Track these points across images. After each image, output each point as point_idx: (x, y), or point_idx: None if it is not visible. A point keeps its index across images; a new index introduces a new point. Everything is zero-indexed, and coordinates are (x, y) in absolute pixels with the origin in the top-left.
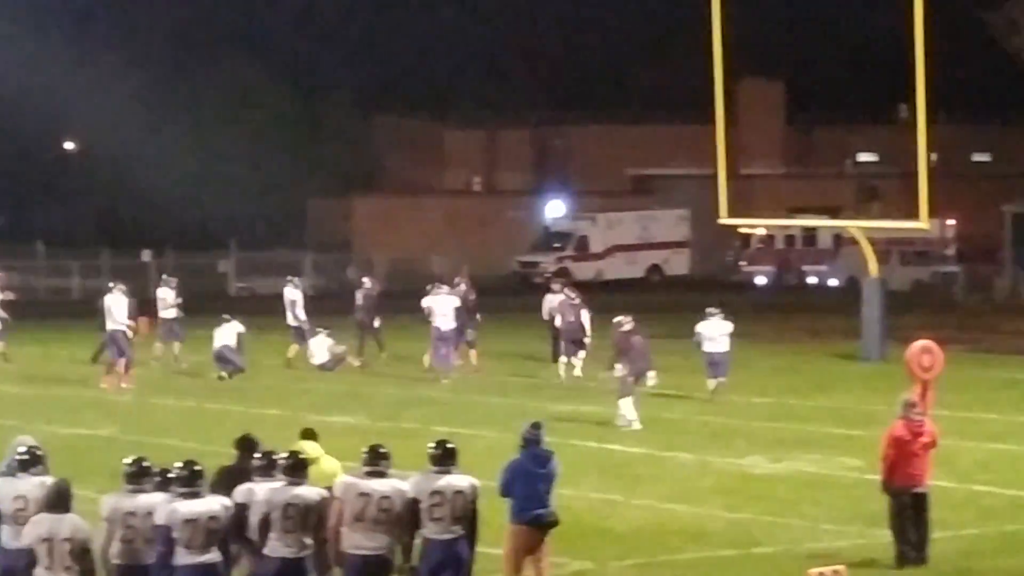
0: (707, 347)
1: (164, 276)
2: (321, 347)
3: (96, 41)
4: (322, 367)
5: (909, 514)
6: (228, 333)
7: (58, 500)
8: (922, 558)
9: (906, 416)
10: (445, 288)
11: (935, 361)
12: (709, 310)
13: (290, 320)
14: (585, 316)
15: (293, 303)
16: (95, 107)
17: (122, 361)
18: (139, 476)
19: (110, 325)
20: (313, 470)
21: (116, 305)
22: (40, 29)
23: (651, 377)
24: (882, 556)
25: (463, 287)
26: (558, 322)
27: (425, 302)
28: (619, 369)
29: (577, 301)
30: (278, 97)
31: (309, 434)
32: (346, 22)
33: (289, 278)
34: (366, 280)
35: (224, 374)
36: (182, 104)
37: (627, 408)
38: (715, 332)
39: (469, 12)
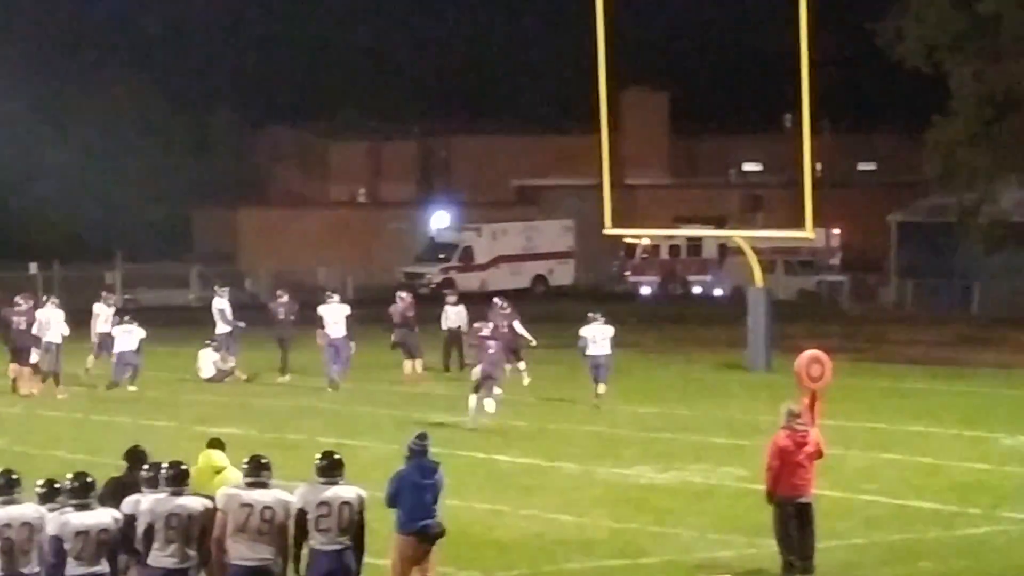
0: (591, 350)
1: (104, 293)
2: (207, 361)
3: None
4: (210, 380)
5: (794, 524)
6: (131, 338)
7: None
8: (808, 568)
9: (789, 426)
10: (337, 297)
11: (824, 371)
12: (591, 315)
13: (221, 328)
14: (518, 324)
15: (222, 311)
16: None
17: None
18: (9, 487)
19: (48, 337)
20: (219, 479)
21: (54, 318)
22: None
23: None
24: (769, 566)
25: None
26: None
27: (319, 311)
28: (476, 371)
29: (509, 310)
30: (161, 108)
31: (216, 443)
32: (231, 33)
33: (217, 288)
34: (282, 294)
35: (120, 381)
36: (65, 116)
37: (472, 404)
38: (598, 335)
39: (353, 23)
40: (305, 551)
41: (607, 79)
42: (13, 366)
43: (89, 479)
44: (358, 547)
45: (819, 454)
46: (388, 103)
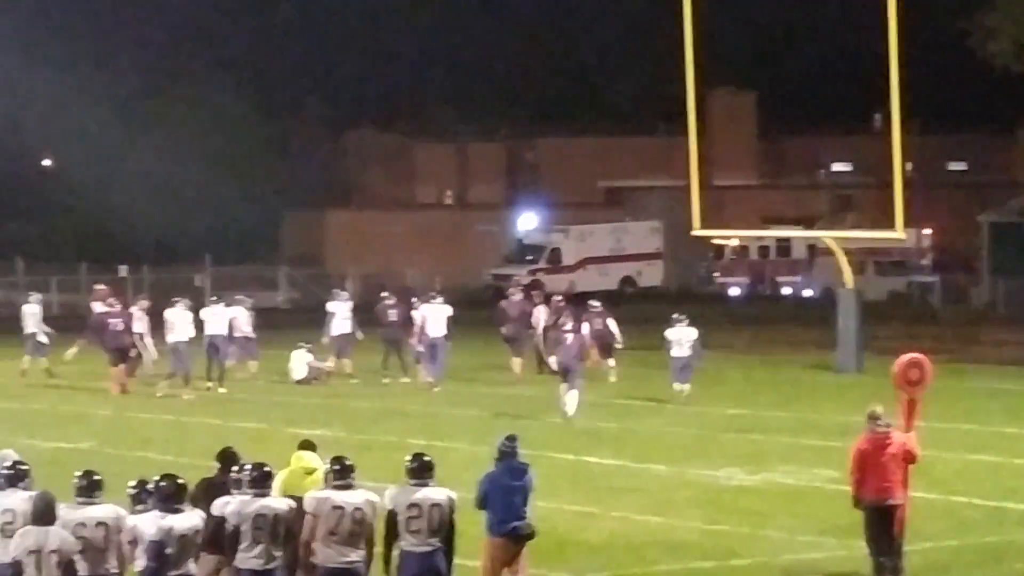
0: (674, 352)
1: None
2: (300, 362)
3: (73, 60)
4: (300, 382)
5: (881, 527)
6: (220, 321)
7: (45, 512)
8: (898, 570)
9: (870, 428)
10: (440, 297)
11: (923, 375)
12: (675, 316)
13: (338, 330)
14: (612, 322)
15: (334, 315)
16: (72, 125)
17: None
18: (90, 489)
19: (175, 338)
20: (310, 480)
21: (181, 319)
22: (18, 49)
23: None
24: (861, 568)
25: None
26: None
27: (420, 312)
28: (553, 361)
29: (601, 309)
30: (249, 113)
31: (308, 445)
32: (317, 38)
33: (335, 291)
34: (388, 296)
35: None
36: (157, 121)
37: (562, 394)
38: (682, 338)
39: (440, 26)
40: (395, 553)
41: (695, 80)
42: (116, 370)
43: (181, 481)
44: (448, 549)
45: (911, 457)
46: (475, 105)
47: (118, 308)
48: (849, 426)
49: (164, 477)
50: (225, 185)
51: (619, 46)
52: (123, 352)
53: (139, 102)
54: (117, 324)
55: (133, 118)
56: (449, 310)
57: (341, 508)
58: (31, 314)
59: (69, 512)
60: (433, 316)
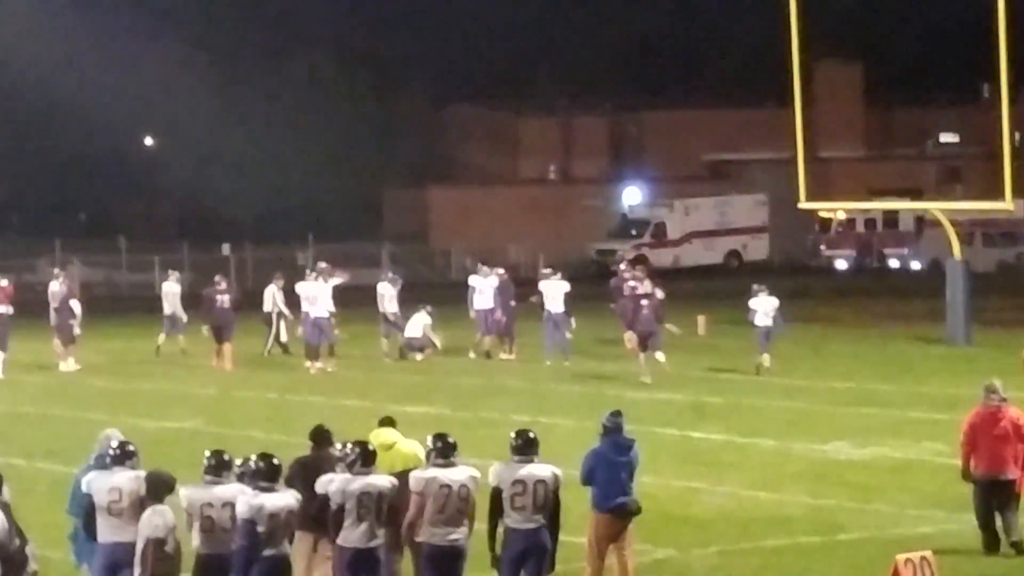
0: (759, 321)
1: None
2: (418, 323)
3: (174, 38)
4: (409, 343)
5: (994, 502)
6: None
7: (157, 491)
8: (1016, 546)
9: (985, 401)
10: (558, 273)
11: None
12: (756, 287)
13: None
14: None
15: (474, 288)
16: (174, 104)
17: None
18: (219, 468)
19: (316, 312)
20: (389, 455)
21: (322, 292)
22: (119, 28)
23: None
24: (970, 542)
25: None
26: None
27: (540, 287)
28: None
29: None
30: (351, 90)
31: (387, 421)
32: (418, 14)
33: (480, 266)
34: (502, 272)
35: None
36: (258, 100)
37: (642, 360)
38: (765, 307)
39: (541, 3)
40: (500, 529)
41: (800, 51)
42: (227, 346)
43: (276, 461)
44: (553, 525)
45: (1019, 431)
46: (578, 79)
47: (224, 286)
48: (958, 399)
49: (261, 456)
50: (326, 163)
51: (724, 18)
52: (227, 329)
53: (241, 82)
54: (224, 302)
55: (235, 98)
56: (567, 286)
57: (448, 487)
58: (171, 293)
59: (196, 492)
60: (551, 292)
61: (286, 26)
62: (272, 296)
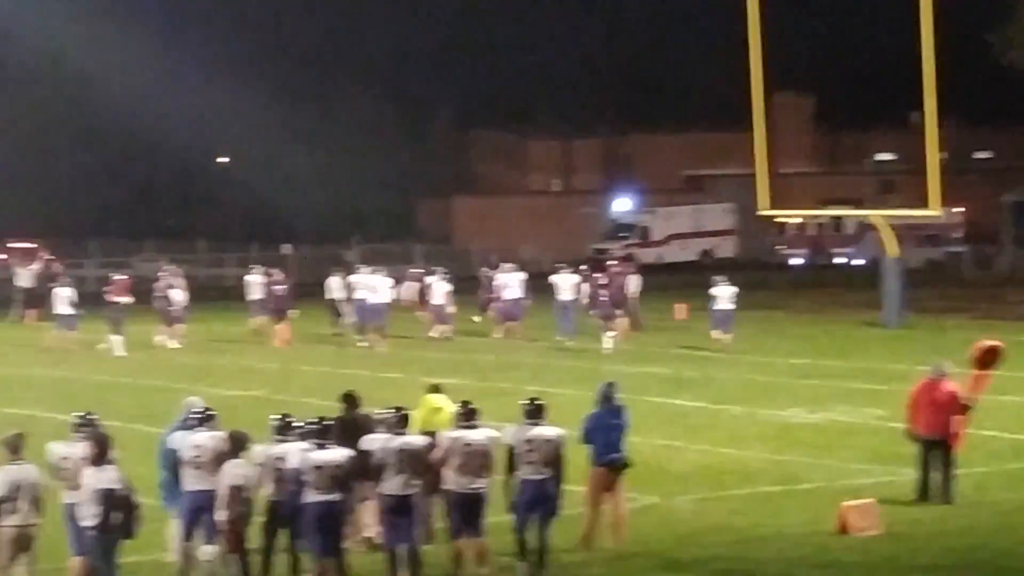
0: (717, 305)
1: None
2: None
3: (240, 73)
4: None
5: (930, 457)
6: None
7: (236, 448)
8: (947, 492)
9: (928, 375)
10: (569, 268)
11: (996, 359)
12: (716, 278)
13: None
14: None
15: (555, 285)
16: (243, 128)
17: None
18: (284, 429)
19: (374, 299)
20: (439, 417)
21: (381, 284)
22: (199, 65)
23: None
24: (904, 490)
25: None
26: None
27: (551, 279)
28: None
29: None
30: (390, 114)
31: (434, 388)
32: (446, 52)
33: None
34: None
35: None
36: (313, 124)
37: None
38: (724, 294)
39: (548, 42)
40: (514, 480)
41: (762, 85)
42: (282, 326)
43: (328, 423)
44: (558, 477)
45: (957, 404)
46: (577, 108)
47: (282, 277)
48: (893, 373)
49: (319, 420)
50: (369, 175)
51: (697, 57)
52: (283, 313)
53: (299, 107)
54: (281, 290)
55: (293, 124)
56: (576, 278)
57: (469, 444)
58: (255, 283)
59: (268, 448)
60: (563, 284)
61: (336, 61)
62: (335, 285)
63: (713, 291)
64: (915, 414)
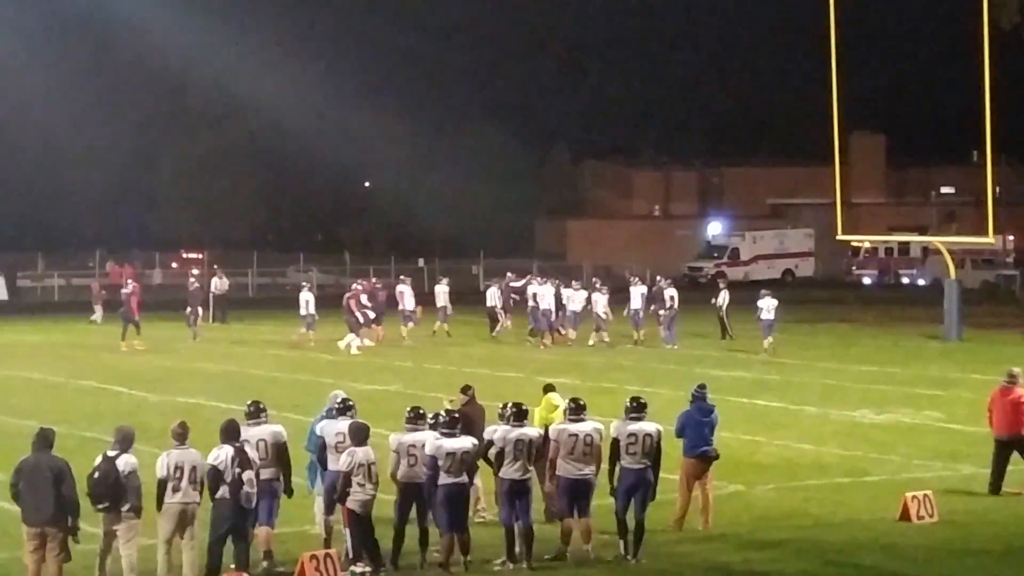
0: (763, 316)
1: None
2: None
3: (385, 107)
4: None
5: (1003, 454)
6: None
7: (360, 436)
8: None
9: (1002, 381)
10: (666, 282)
11: None
12: (762, 291)
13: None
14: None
15: (672, 296)
16: (385, 155)
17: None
18: (416, 419)
19: (544, 305)
20: (556, 414)
21: (548, 293)
22: (346, 99)
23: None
24: (961, 486)
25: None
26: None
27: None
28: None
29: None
30: (514, 146)
31: (551, 388)
32: (561, 92)
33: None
34: (636, 282)
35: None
36: (445, 153)
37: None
38: (768, 305)
39: (651, 84)
40: (617, 469)
41: (840, 125)
42: (380, 328)
43: (456, 415)
44: (656, 466)
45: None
46: (676, 142)
47: (380, 283)
48: (951, 380)
49: (446, 412)
50: (494, 199)
51: (783, 99)
52: (381, 316)
53: (435, 138)
54: (381, 297)
55: (430, 150)
56: (675, 292)
57: (576, 435)
58: (408, 294)
59: (402, 436)
60: (635, 294)
61: (467, 98)
62: (494, 294)
63: (759, 303)
64: (991, 417)
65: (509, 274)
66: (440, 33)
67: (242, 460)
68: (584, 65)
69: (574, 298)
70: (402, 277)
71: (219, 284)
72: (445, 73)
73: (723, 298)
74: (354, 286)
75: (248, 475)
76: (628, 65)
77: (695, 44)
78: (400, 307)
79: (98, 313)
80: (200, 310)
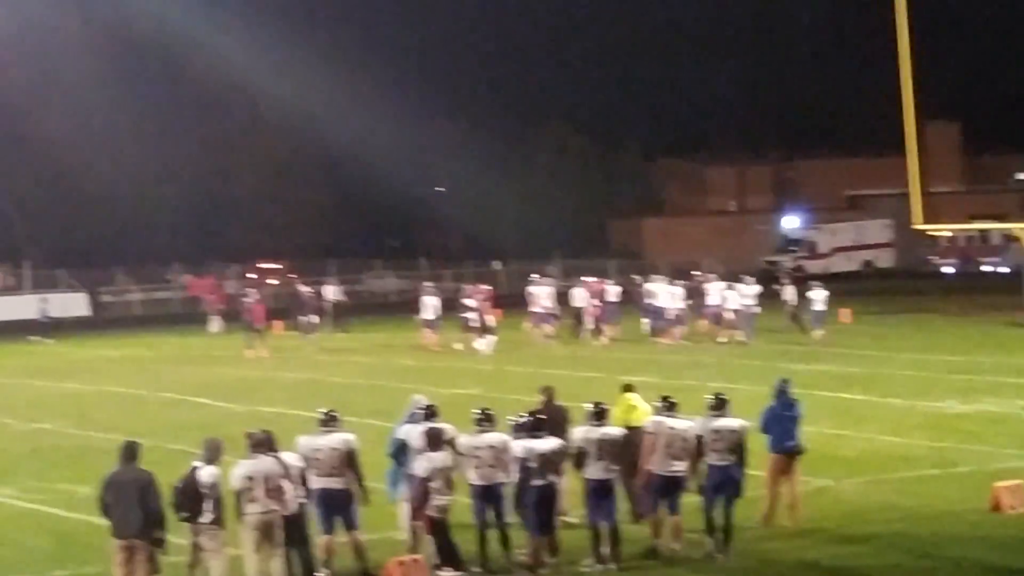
0: (815, 307)
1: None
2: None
3: (455, 113)
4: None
5: None
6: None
7: (436, 441)
8: None
9: None
10: (750, 279)
11: None
12: (812, 283)
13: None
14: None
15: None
16: (460, 162)
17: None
18: (486, 421)
19: (657, 303)
20: (635, 414)
21: (662, 291)
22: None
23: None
24: None
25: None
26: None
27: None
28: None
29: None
30: (586, 146)
31: (629, 387)
32: (636, 90)
33: (743, 279)
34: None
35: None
36: (518, 157)
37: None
38: (818, 297)
39: (722, 79)
40: (702, 466)
41: (914, 114)
42: (488, 338)
43: (542, 417)
44: (741, 463)
45: None
46: (750, 136)
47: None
48: None
49: (530, 413)
50: (567, 201)
51: (856, 90)
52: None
53: (506, 140)
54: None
55: (502, 152)
56: (758, 288)
57: (673, 429)
58: (542, 293)
59: (470, 438)
60: (745, 293)
61: (538, 100)
62: (581, 295)
63: (810, 295)
64: None
65: (636, 277)
66: (508, 37)
67: (277, 471)
68: (654, 63)
69: (711, 292)
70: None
71: (334, 291)
72: (515, 76)
73: (790, 294)
74: (471, 288)
75: (286, 484)
76: (698, 61)
77: (766, 37)
78: (531, 308)
79: (216, 323)
80: (316, 318)
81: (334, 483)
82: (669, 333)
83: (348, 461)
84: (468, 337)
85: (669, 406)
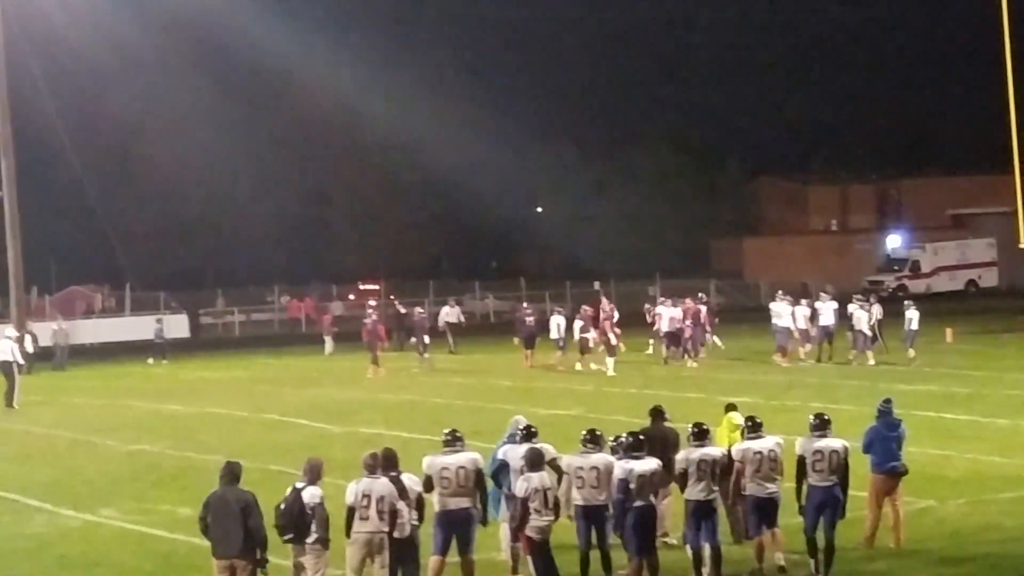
0: (909, 327)
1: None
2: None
3: (554, 135)
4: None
5: None
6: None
7: (536, 462)
8: None
9: None
10: (829, 296)
11: None
12: (907, 302)
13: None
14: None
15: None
16: (557, 183)
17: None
18: (592, 442)
19: (782, 324)
20: (737, 433)
21: (784, 311)
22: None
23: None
24: None
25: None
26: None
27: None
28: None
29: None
30: (685, 166)
31: (732, 407)
32: (733, 108)
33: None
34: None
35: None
36: (616, 174)
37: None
38: (913, 316)
39: (823, 98)
40: (804, 487)
41: (1020, 133)
42: (530, 352)
43: (641, 438)
44: (843, 484)
45: None
46: (852, 157)
47: (530, 309)
48: None
49: (630, 434)
50: (668, 221)
51: (960, 108)
52: (531, 341)
53: (604, 161)
54: (531, 322)
55: (600, 173)
56: (835, 305)
57: (760, 452)
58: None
59: (574, 458)
60: (826, 310)
61: (636, 120)
62: (663, 315)
63: (907, 314)
64: None
65: (779, 291)
66: (610, 59)
67: (396, 491)
68: (755, 82)
69: (823, 311)
70: (557, 308)
71: (450, 312)
72: (616, 97)
73: (876, 312)
74: (601, 308)
75: (402, 505)
76: (799, 79)
77: (867, 55)
78: (557, 335)
79: (329, 345)
80: (427, 339)
81: (461, 503)
82: (791, 353)
83: (476, 480)
84: (589, 358)
85: (753, 426)
